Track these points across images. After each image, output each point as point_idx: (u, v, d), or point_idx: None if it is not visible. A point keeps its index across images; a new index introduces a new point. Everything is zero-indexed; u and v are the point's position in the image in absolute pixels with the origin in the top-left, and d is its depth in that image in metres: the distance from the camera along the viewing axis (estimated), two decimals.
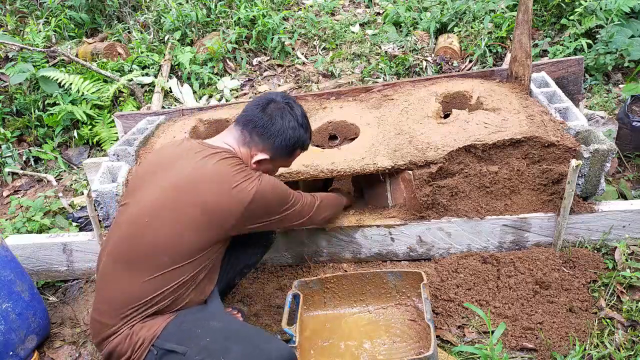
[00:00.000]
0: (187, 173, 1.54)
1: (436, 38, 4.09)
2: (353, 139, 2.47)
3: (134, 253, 1.50)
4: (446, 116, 2.47)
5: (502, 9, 3.92)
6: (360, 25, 4.56)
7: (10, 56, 4.08)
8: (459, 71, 3.75)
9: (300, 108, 1.75)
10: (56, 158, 3.73)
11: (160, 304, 1.51)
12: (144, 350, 1.46)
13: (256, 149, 1.66)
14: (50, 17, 4.78)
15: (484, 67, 3.72)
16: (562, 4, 3.70)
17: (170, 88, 4.06)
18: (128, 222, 1.54)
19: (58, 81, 3.81)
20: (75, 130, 3.81)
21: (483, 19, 3.90)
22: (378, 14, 4.68)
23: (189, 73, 4.13)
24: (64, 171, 3.67)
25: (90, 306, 2.33)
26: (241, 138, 1.66)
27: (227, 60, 4.27)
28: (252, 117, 1.66)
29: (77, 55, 4.28)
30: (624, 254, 2.09)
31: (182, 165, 1.57)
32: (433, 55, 3.94)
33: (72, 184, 3.45)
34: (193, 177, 1.53)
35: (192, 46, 4.41)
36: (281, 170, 2.20)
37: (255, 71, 4.29)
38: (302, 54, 4.36)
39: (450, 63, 3.83)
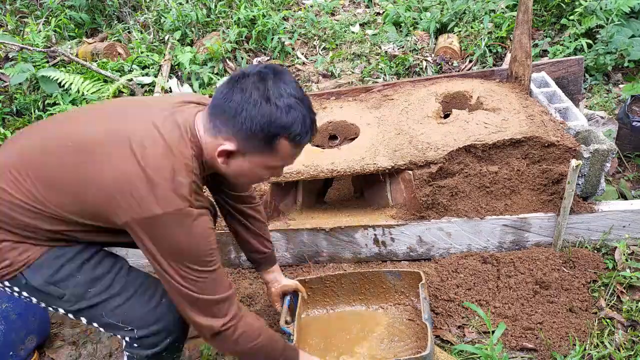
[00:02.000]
0: (126, 127, 1.27)
1: (436, 38, 4.09)
2: (353, 139, 2.47)
3: (39, 171, 1.28)
4: (446, 116, 2.47)
5: (502, 9, 3.92)
6: (360, 25, 4.55)
7: (10, 56, 4.08)
8: (459, 71, 3.75)
9: (282, 82, 1.23)
10: None
11: (35, 239, 1.32)
12: (9, 272, 1.31)
13: (223, 138, 1.26)
14: (50, 17, 4.78)
15: (484, 67, 3.72)
16: (562, 4, 3.70)
17: (170, 88, 4.06)
18: (57, 137, 1.32)
19: (58, 81, 3.81)
20: None
21: (483, 19, 3.90)
22: (378, 14, 4.68)
23: (189, 73, 4.13)
24: None
25: None
26: (207, 124, 1.29)
27: (227, 60, 4.27)
28: (216, 98, 1.28)
29: (77, 55, 4.28)
30: (624, 254, 2.09)
31: (135, 116, 1.32)
32: (433, 55, 3.94)
33: None
34: (128, 137, 1.24)
35: (192, 46, 4.40)
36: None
37: None
38: (302, 54, 4.36)
39: (450, 63, 3.83)
